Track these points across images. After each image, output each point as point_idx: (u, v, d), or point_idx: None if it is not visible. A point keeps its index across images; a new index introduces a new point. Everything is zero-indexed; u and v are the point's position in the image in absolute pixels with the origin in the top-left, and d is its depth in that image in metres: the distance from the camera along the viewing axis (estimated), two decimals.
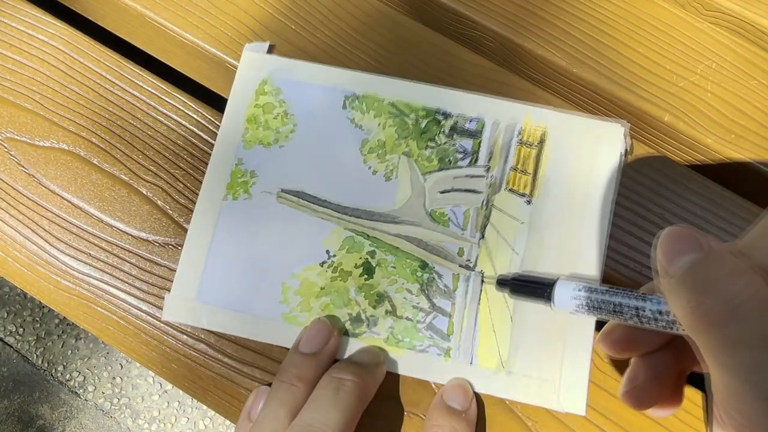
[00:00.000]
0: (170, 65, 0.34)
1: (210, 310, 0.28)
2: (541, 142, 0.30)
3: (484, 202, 0.29)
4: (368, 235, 0.29)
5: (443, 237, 0.29)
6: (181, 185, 0.30)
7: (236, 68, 0.32)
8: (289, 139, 0.30)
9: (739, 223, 0.29)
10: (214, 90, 0.34)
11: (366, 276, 0.28)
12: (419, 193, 0.29)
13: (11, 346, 1.04)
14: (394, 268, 0.29)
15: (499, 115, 0.30)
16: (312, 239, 0.29)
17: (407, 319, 0.28)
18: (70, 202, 0.30)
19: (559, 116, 0.30)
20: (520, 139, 0.30)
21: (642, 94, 0.32)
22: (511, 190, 0.29)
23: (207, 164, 0.30)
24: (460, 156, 0.30)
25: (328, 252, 0.29)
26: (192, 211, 0.30)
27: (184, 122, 0.31)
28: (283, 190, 0.29)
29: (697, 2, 0.34)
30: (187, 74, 0.34)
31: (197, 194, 0.30)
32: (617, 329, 0.25)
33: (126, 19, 0.34)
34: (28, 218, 0.30)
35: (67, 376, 1.02)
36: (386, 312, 0.28)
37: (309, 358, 0.26)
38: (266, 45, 0.32)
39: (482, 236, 0.29)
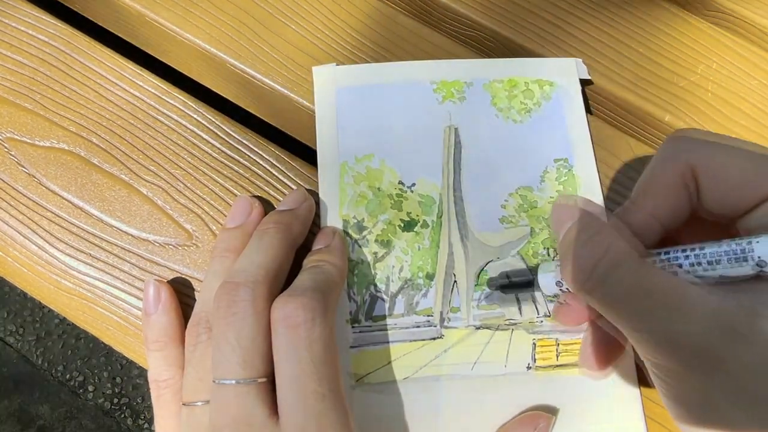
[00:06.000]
0: (170, 65, 0.34)
1: None
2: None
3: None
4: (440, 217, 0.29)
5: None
6: (181, 185, 0.30)
7: (236, 68, 0.32)
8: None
9: None
10: (214, 90, 0.34)
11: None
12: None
13: (11, 346, 1.04)
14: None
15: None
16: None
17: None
18: (70, 202, 0.30)
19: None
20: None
21: (642, 94, 0.32)
22: None
23: (207, 164, 0.30)
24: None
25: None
26: (192, 211, 0.30)
27: (184, 122, 0.31)
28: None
29: (698, 2, 0.34)
30: (187, 74, 0.34)
31: (197, 194, 0.30)
32: (567, 302, 0.26)
33: (126, 19, 0.34)
34: (28, 218, 0.30)
35: (67, 376, 1.02)
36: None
37: (235, 231, 0.28)
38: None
39: None
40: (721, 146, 0.21)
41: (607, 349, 0.25)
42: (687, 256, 0.20)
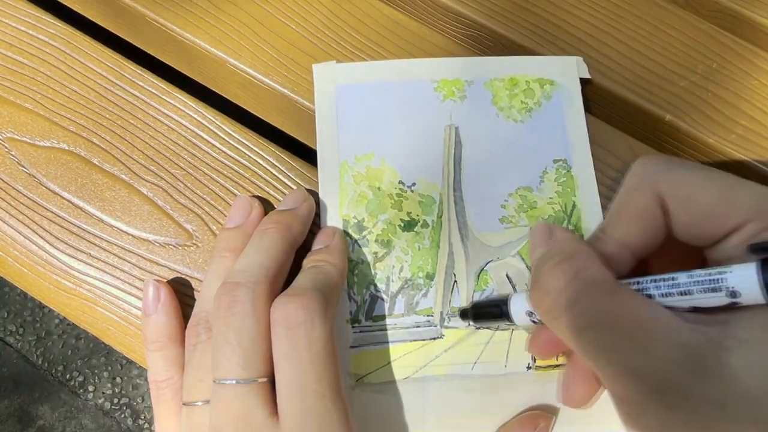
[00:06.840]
0: (170, 65, 0.34)
1: None
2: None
3: None
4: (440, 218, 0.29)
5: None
6: (181, 185, 0.30)
7: (236, 68, 0.32)
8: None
9: None
10: (214, 89, 0.34)
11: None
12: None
13: (11, 346, 1.04)
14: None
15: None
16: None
17: None
18: (70, 202, 0.30)
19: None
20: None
21: (643, 94, 0.32)
22: None
23: (207, 164, 0.30)
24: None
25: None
26: (192, 211, 0.30)
27: (184, 122, 0.31)
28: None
29: (697, 2, 0.34)
30: (187, 74, 0.34)
31: (197, 194, 0.30)
32: (541, 333, 0.25)
33: (126, 19, 0.34)
34: (28, 218, 0.30)
35: (67, 376, 1.02)
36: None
37: (235, 231, 0.27)
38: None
39: None
40: (688, 175, 0.21)
41: (588, 384, 0.25)
42: (658, 287, 0.20)
